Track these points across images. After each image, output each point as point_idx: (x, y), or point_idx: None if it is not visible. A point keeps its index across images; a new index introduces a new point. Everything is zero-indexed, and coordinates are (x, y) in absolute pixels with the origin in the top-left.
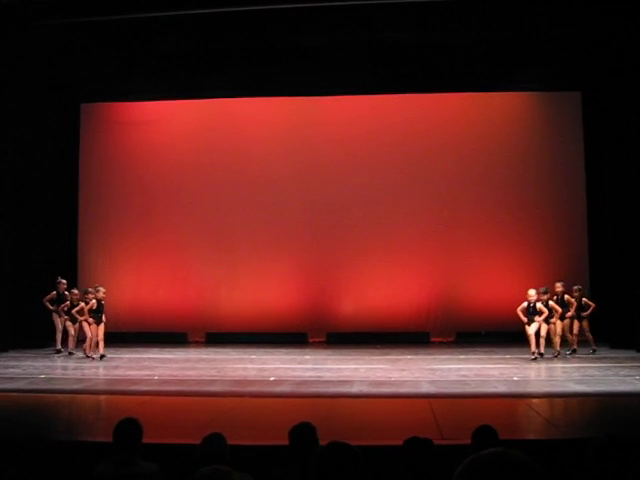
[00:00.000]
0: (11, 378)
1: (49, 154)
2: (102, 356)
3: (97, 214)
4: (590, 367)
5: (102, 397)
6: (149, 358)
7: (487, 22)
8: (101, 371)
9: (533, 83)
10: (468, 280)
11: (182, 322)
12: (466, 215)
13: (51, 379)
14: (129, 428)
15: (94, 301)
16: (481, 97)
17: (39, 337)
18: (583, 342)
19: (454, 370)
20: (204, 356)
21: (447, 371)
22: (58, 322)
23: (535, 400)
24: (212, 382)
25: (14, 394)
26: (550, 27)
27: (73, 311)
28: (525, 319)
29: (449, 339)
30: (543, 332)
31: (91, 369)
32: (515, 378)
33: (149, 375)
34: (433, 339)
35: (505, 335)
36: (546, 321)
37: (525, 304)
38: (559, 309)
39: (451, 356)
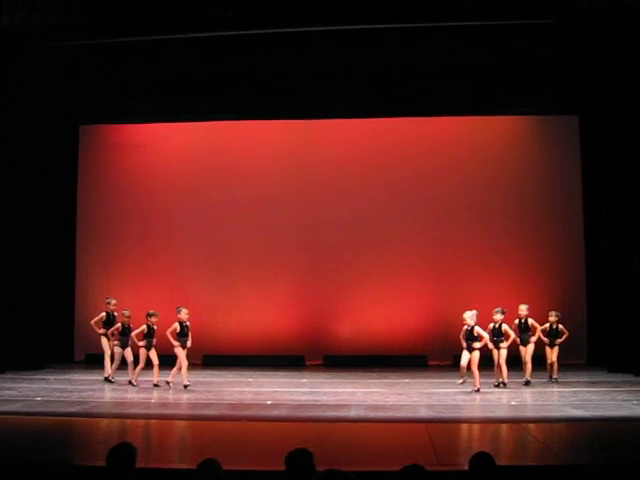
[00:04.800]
0: (7, 400)
1: (48, 176)
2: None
3: (95, 236)
4: (588, 392)
5: (98, 420)
6: (146, 381)
7: (484, 46)
8: (98, 394)
9: (531, 107)
10: (466, 303)
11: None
12: (464, 238)
13: (47, 401)
14: (123, 453)
15: (177, 324)
16: (479, 120)
17: (35, 359)
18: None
19: (451, 394)
20: (201, 379)
21: (444, 395)
22: (107, 347)
23: (532, 425)
24: (208, 405)
25: (9, 417)
26: (548, 51)
27: (133, 334)
28: (464, 344)
29: (446, 362)
30: (502, 358)
31: (87, 391)
32: (513, 403)
33: (146, 398)
34: (430, 362)
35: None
36: (496, 346)
37: (464, 328)
38: (511, 334)
39: (448, 380)
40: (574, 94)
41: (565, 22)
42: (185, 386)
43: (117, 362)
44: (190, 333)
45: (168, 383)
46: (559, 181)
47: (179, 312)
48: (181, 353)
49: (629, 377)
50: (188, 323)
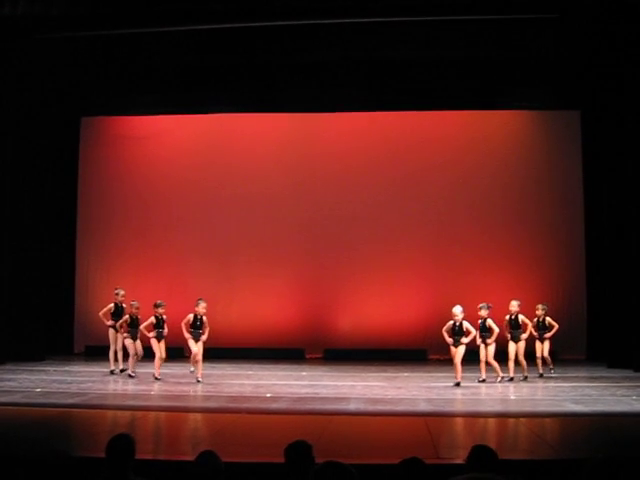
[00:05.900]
0: (6, 391)
1: (48, 167)
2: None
3: (95, 228)
4: (587, 387)
5: (97, 412)
6: (145, 373)
7: (487, 40)
8: (97, 385)
9: (532, 101)
10: (466, 298)
11: (179, 337)
12: (464, 232)
13: (47, 393)
14: (122, 444)
15: (191, 316)
16: (480, 115)
17: (35, 350)
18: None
19: (451, 388)
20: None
21: (444, 389)
22: (114, 339)
23: (531, 419)
24: (208, 398)
25: (9, 407)
26: (550, 46)
27: (142, 327)
28: (450, 340)
29: (446, 356)
30: (490, 355)
31: (87, 383)
32: (512, 397)
33: (145, 390)
34: (430, 356)
35: (502, 353)
36: (483, 342)
37: (450, 323)
38: (496, 329)
39: (448, 374)
40: (576, 89)
41: (568, 17)
42: (195, 377)
43: (134, 355)
44: (204, 327)
45: (198, 381)
46: (560, 176)
47: (197, 305)
48: (193, 346)
49: (629, 372)
50: (205, 317)
